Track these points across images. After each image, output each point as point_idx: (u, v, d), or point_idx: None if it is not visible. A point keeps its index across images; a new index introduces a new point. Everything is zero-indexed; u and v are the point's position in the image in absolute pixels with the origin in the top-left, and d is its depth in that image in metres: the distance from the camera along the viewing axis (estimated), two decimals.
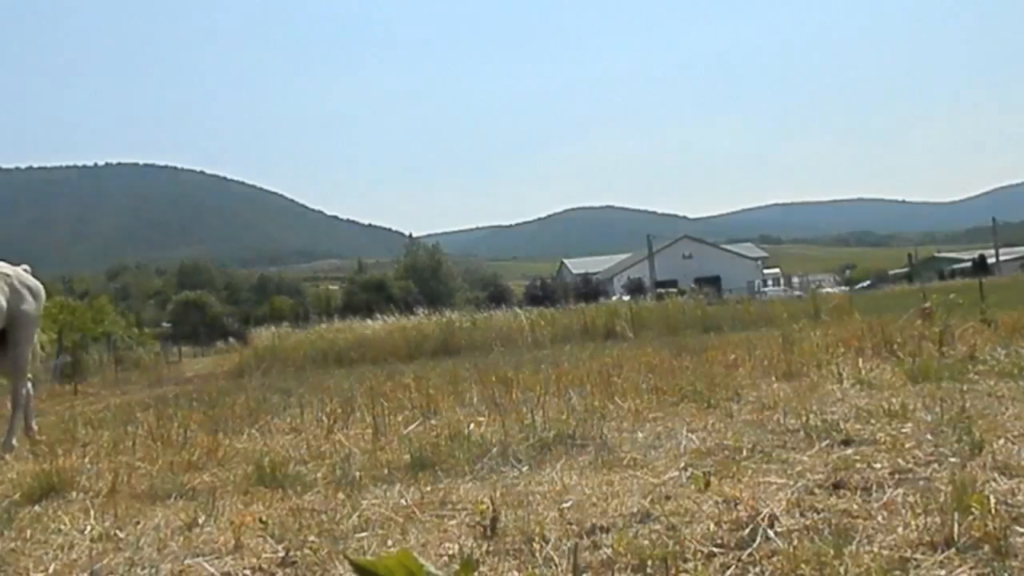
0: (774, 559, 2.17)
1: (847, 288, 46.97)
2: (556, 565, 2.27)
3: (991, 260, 64.91)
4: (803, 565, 2.09)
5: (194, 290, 71.07)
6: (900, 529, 2.30)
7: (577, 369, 7.86)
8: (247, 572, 2.50)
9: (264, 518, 2.93)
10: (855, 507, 2.55)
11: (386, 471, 3.75)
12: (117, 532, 3.04)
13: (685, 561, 2.22)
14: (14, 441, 5.88)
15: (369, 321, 22.84)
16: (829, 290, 35.42)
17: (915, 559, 2.09)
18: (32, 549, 2.92)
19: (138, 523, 3.17)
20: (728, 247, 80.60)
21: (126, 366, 22.38)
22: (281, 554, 2.59)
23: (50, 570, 2.64)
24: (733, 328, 16.15)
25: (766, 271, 72.42)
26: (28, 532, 3.15)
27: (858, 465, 3.06)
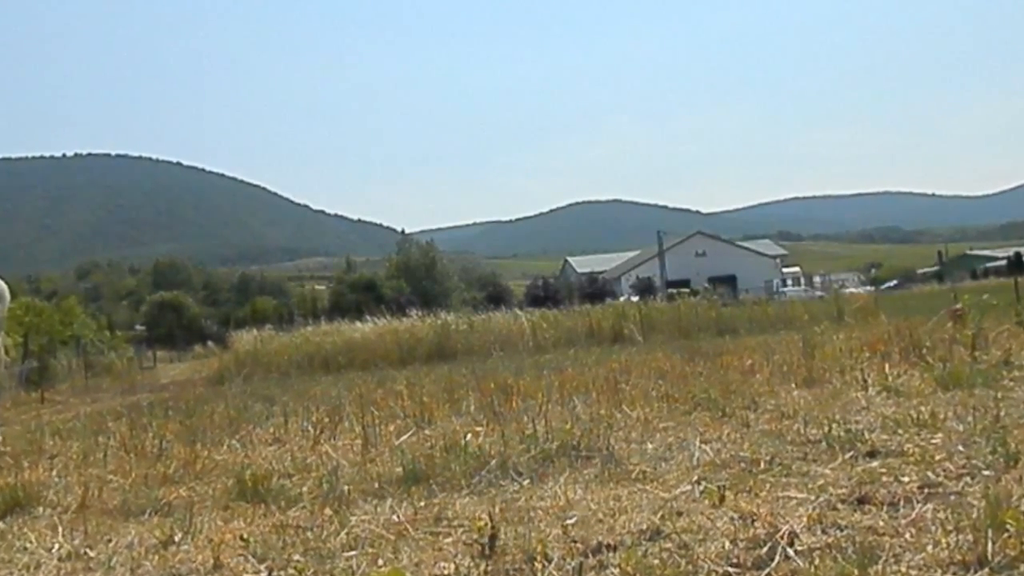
0: None
1: (872, 288, 46.94)
2: None
3: None
4: None
5: (170, 290, 71.20)
6: (929, 547, 2.30)
7: (582, 375, 7.88)
8: None
9: (245, 535, 2.94)
10: (881, 524, 2.55)
11: (377, 485, 3.76)
12: (87, 551, 3.04)
13: None
14: None
15: (358, 323, 22.82)
16: (853, 290, 35.39)
17: None
18: None
19: (110, 541, 3.17)
20: (744, 244, 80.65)
21: (97, 372, 22.37)
22: (264, 574, 2.59)
23: None
24: (750, 331, 16.16)
25: (785, 270, 72.44)
26: None
27: (884, 479, 3.06)
